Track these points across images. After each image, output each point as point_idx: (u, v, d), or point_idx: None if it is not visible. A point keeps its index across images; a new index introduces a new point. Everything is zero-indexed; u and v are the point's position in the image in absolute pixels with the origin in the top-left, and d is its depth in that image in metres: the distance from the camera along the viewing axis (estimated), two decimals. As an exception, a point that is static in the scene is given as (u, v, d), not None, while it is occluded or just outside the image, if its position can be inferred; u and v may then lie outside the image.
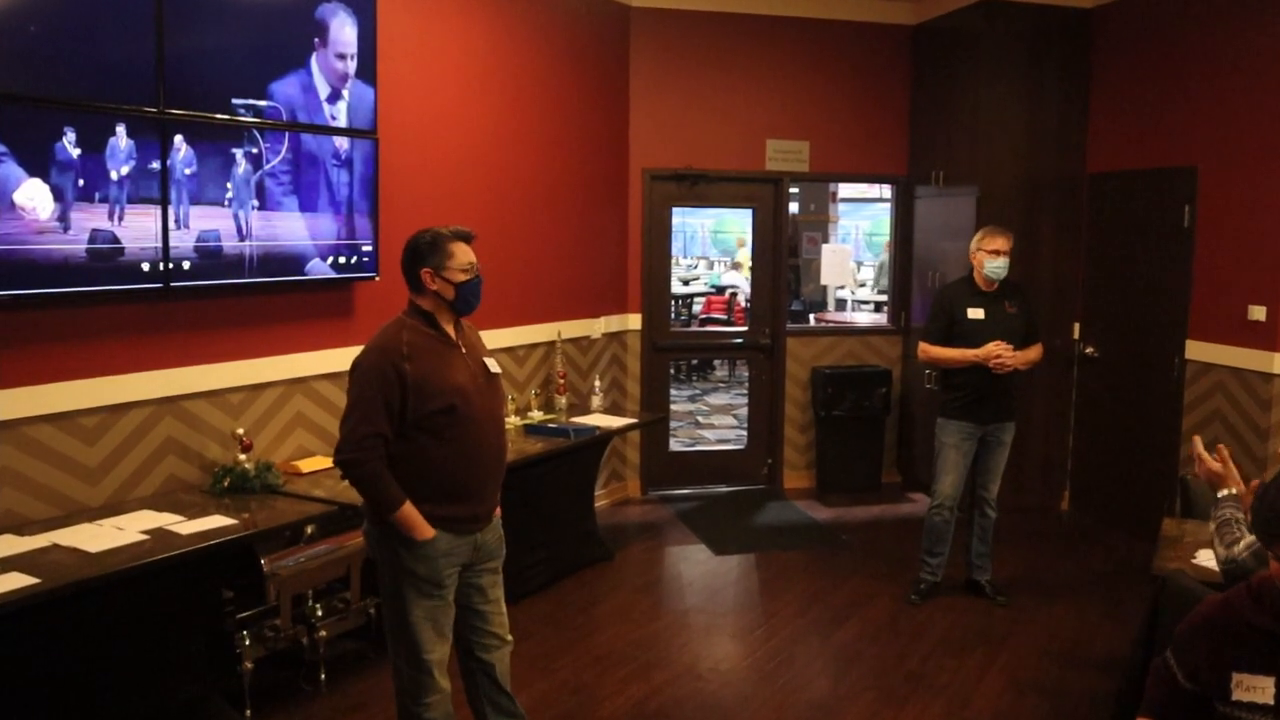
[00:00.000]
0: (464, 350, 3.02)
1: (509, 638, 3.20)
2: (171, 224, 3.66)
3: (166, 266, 3.66)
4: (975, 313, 4.74)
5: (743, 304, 10.89)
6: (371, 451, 2.85)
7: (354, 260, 4.39)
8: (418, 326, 2.96)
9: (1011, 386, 4.83)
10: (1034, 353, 4.84)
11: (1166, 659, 2.27)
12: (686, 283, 13.14)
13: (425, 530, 2.91)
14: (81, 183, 3.37)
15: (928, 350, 4.84)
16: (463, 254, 2.97)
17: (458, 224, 4.96)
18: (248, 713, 3.67)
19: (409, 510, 2.89)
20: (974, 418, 4.79)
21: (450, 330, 3.02)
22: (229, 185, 3.86)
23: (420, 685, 2.99)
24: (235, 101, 3.86)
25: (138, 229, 3.56)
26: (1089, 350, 6.34)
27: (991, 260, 4.71)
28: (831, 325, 7.99)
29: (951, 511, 4.89)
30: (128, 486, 3.73)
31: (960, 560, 5.08)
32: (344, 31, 4.24)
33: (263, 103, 3.95)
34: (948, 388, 4.89)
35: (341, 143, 4.28)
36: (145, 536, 3.28)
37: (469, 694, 3.21)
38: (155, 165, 3.60)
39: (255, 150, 3.94)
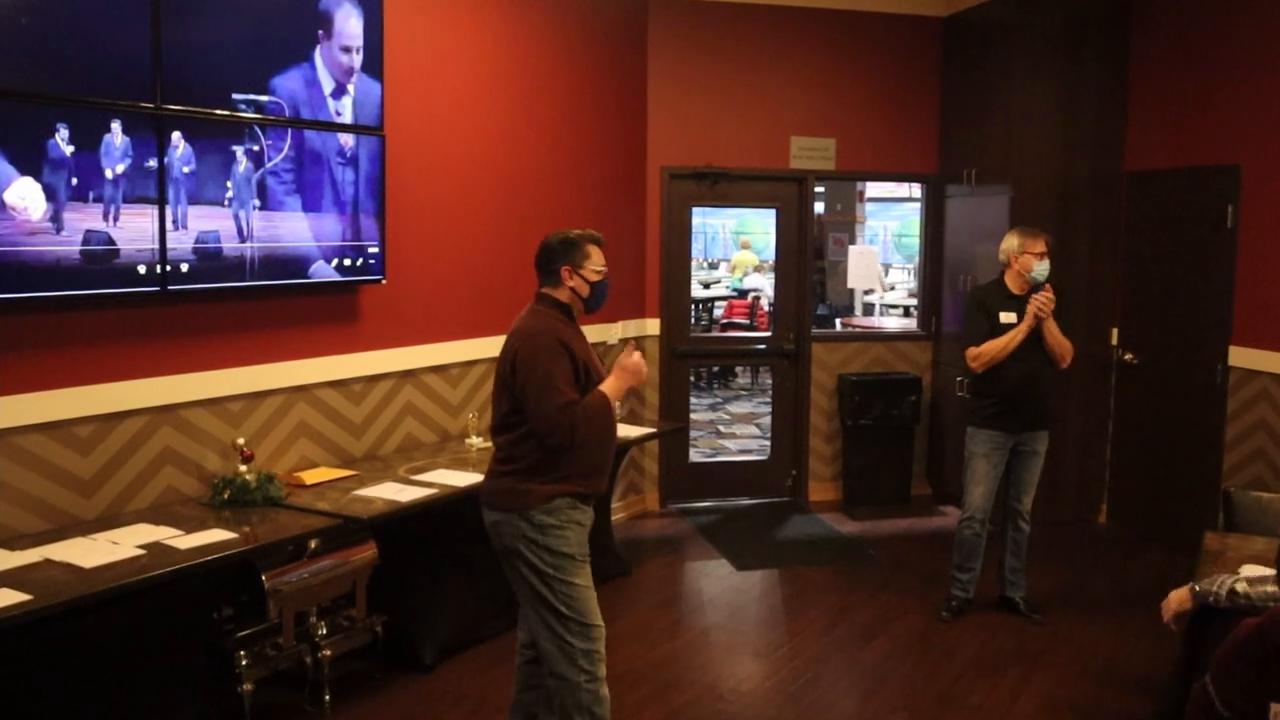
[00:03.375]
0: (590, 342, 3.31)
1: None
2: (169, 225, 3.61)
3: (164, 269, 3.60)
4: (1008, 316, 4.65)
5: (766, 308, 10.77)
6: (569, 415, 3.01)
7: (360, 262, 4.32)
8: (559, 316, 3.19)
9: (1045, 394, 4.72)
10: (1062, 337, 4.65)
11: (1206, 684, 2.23)
12: (707, 286, 13.06)
13: (618, 383, 3.20)
14: (75, 182, 3.32)
15: (978, 354, 4.63)
16: (598, 256, 3.25)
17: (470, 223, 4.86)
18: (247, 735, 3.59)
19: (609, 387, 3.16)
20: (1004, 427, 4.69)
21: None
22: (229, 184, 3.79)
23: (596, 657, 3.12)
24: (235, 96, 3.80)
25: (134, 230, 3.50)
26: (1127, 357, 6.22)
27: (1040, 263, 4.61)
28: (859, 330, 7.92)
29: (983, 525, 4.79)
30: (123, 499, 3.66)
31: (993, 576, 4.98)
32: (349, 23, 4.17)
33: (264, 98, 3.89)
34: (977, 395, 4.79)
35: (347, 140, 4.21)
36: (141, 551, 3.24)
37: (521, 688, 3.37)
38: (152, 163, 3.54)
39: (256, 148, 3.87)
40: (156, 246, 3.56)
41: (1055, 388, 4.81)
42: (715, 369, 11.02)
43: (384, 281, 4.43)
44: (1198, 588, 3.02)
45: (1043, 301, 4.55)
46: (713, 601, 5.12)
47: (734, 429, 9.05)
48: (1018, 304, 4.65)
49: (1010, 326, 4.61)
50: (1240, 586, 2.88)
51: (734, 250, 15.43)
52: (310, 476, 4.08)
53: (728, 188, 6.62)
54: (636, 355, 3.23)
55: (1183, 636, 3.25)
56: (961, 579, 4.87)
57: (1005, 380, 4.62)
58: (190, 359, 3.84)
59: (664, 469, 6.65)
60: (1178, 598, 3.09)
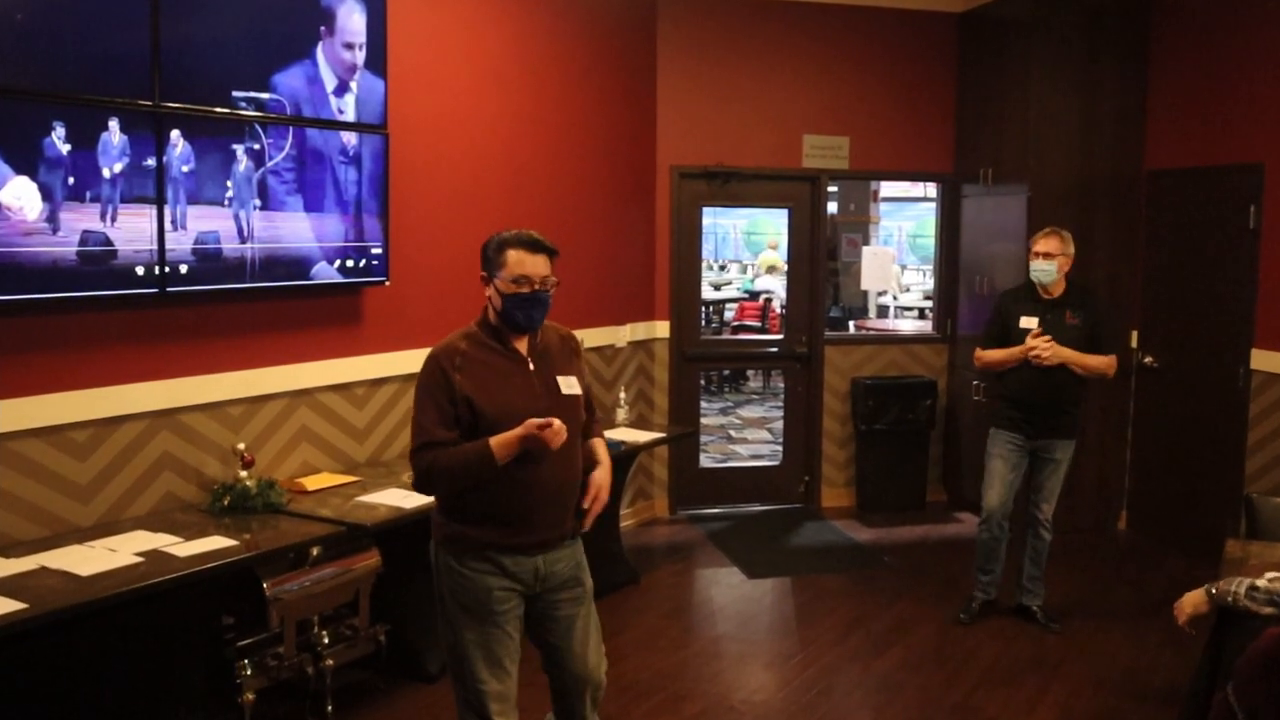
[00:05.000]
0: (533, 366, 2.88)
1: (596, 677, 3.04)
2: (168, 225, 3.56)
3: (162, 270, 3.55)
4: (1027, 321, 4.58)
5: (778, 310, 10.71)
6: (421, 460, 2.77)
7: (363, 264, 4.27)
8: (479, 337, 2.86)
9: (1065, 402, 4.61)
10: (1093, 359, 4.55)
11: (1228, 695, 2.22)
12: (718, 287, 13.01)
13: (510, 441, 2.71)
14: (72, 181, 3.28)
15: (979, 356, 4.73)
16: (516, 263, 2.79)
17: (475, 223, 4.74)
18: (248, 747, 3.55)
19: (499, 442, 2.71)
20: (1020, 430, 4.65)
21: (521, 344, 2.89)
22: (229, 184, 3.74)
23: (476, 706, 2.87)
24: (236, 94, 3.75)
25: (132, 230, 3.45)
26: (1147, 360, 6.14)
27: (1035, 262, 4.57)
28: (873, 333, 7.86)
29: (1000, 527, 4.74)
30: (121, 505, 3.62)
31: (1011, 583, 4.92)
32: (352, 19, 4.12)
33: (265, 95, 3.84)
34: (995, 397, 4.78)
35: (349, 138, 4.16)
36: (140, 559, 3.20)
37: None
38: (150, 162, 3.49)
39: (257, 146, 3.82)
40: (155, 247, 3.51)
41: (1080, 396, 4.69)
42: (726, 372, 10.96)
43: (387, 283, 4.38)
44: (1214, 590, 2.95)
45: (1032, 357, 4.45)
46: (724, 610, 5.07)
47: (745, 434, 8.99)
48: (1041, 308, 4.57)
49: (1028, 332, 4.54)
50: (1261, 582, 2.83)
51: (744, 250, 15.42)
52: (312, 482, 4.04)
53: (739, 187, 6.55)
54: (553, 427, 2.69)
55: (1204, 646, 3.20)
56: (983, 580, 4.84)
57: (1018, 384, 4.59)
58: (189, 362, 3.79)
59: (674, 475, 6.58)
60: (1192, 601, 3.03)
